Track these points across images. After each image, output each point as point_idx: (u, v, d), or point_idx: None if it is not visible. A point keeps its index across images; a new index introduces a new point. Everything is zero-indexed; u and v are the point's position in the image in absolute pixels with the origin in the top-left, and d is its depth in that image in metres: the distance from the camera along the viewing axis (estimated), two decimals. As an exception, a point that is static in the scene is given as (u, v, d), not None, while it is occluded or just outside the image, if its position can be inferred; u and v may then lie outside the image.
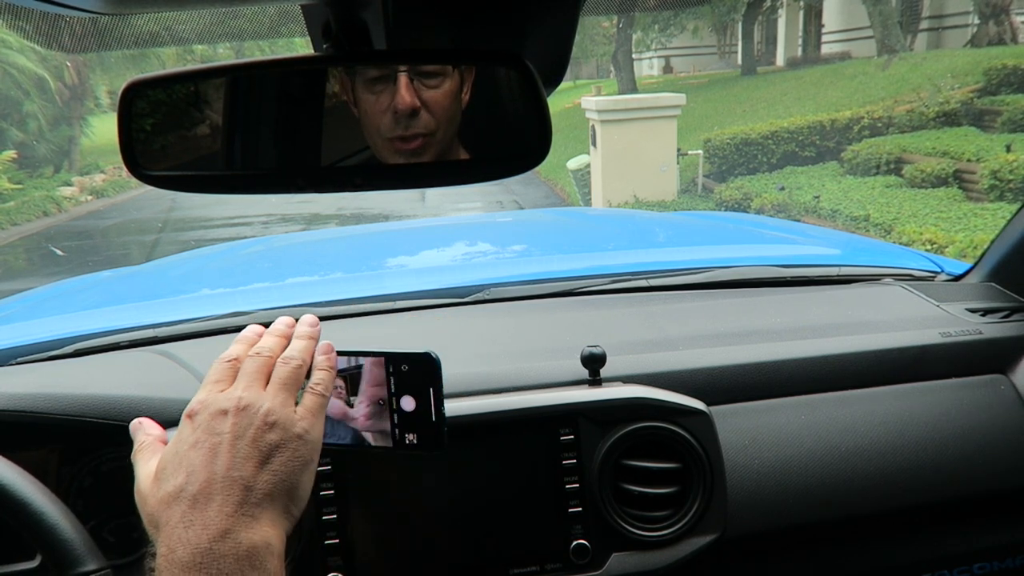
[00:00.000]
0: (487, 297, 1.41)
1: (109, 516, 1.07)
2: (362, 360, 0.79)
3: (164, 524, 0.65)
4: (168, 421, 1.03)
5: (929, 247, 6.08)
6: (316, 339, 0.78)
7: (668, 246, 2.08)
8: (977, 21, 15.38)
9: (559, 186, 11.77)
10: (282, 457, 0.68)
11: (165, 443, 0.74)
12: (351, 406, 0.80)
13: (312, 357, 0.76)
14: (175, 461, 0.68)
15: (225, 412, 0.69)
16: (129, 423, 1.03)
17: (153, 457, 0.72)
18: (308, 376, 0.75)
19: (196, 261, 2.26)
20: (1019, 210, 1.34)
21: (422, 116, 0.67)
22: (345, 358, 0.79)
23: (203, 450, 0.67)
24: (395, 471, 1.00)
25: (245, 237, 7.38)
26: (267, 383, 0.72)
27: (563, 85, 0.83)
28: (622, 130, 9.43)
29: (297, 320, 0.80)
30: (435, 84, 0.67)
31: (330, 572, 0.97)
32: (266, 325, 0.80)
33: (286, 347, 0.76)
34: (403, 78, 0.66)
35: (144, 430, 0.77)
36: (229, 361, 0.75)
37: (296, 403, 0.72)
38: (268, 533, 0.65)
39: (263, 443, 0.68)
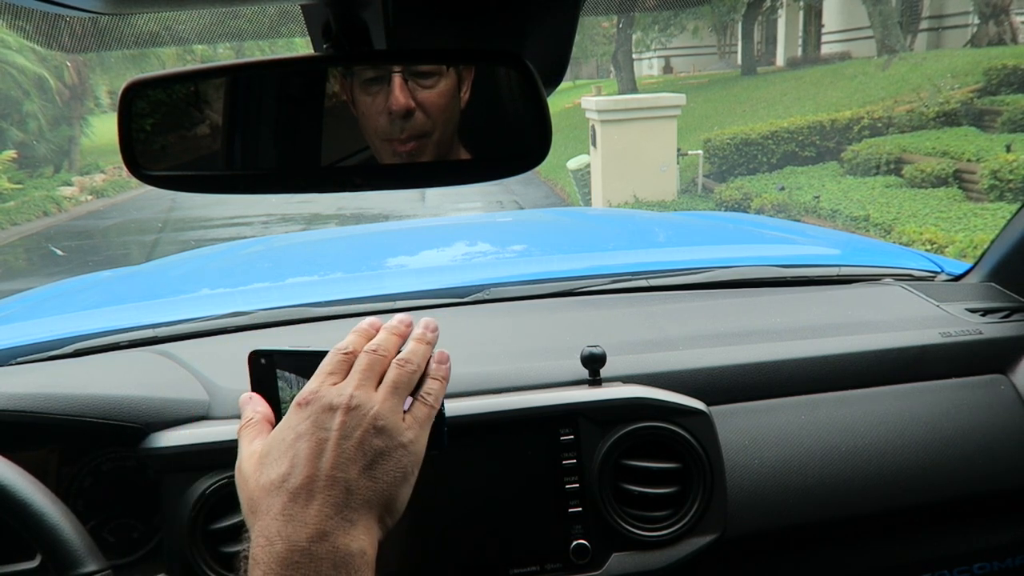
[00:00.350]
0: (487, 297, 1.41)
1: (109, 516, 1.07)
2: None
3: (263, 512, 0.64)
4: (169, 421, 1.03)
5: (929, 247, 6.08)
6: (433, 344, 0.76)
7: (668, 246, 2.08)
8: (977, 21, 15.39)
9: (559, 186, 11.77)
10: (385, 465, 0.67)
11: (272, 425, 0.73)
12: None
13: (427, 363, 0.75)
14: (280, 448, 0.67)
15: (335, 408, 0.68)
16: (130, 423, 1.03)
17: (259, 437, 0.72)
18: (420, 383, 0.74)
19: (196, 261, 2.26)
20: (1019, 210, 1.34)
21: (417, 117, 0.67)
22: None
23: (310, 443, 0.66)
24: (395, 471, 1.00)
25: (245, 237, 7.38)
26: (379, 383, 0.71)
27: (563, 85, 0.83)
28: (622, 130, 9.43)
29: (413, 322, 0.78)
30: (430, 84, 0.67)
31: (330, 572, 0.97)
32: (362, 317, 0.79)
33: (400, 346, 0.75)
34: (397, 79, 0.66)
35: (253, 406, 0.76)
36: (345, 353, 0.73)
37: (405, 411, 0.71)
38: (363, 541, 0.65)
39: (368, 447, 0.67)
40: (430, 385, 0.74)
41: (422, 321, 0.77)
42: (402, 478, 0.68)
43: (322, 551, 0.62)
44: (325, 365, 0.73)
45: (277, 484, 0.65)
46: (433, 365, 0.75)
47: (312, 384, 0.71)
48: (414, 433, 0.70)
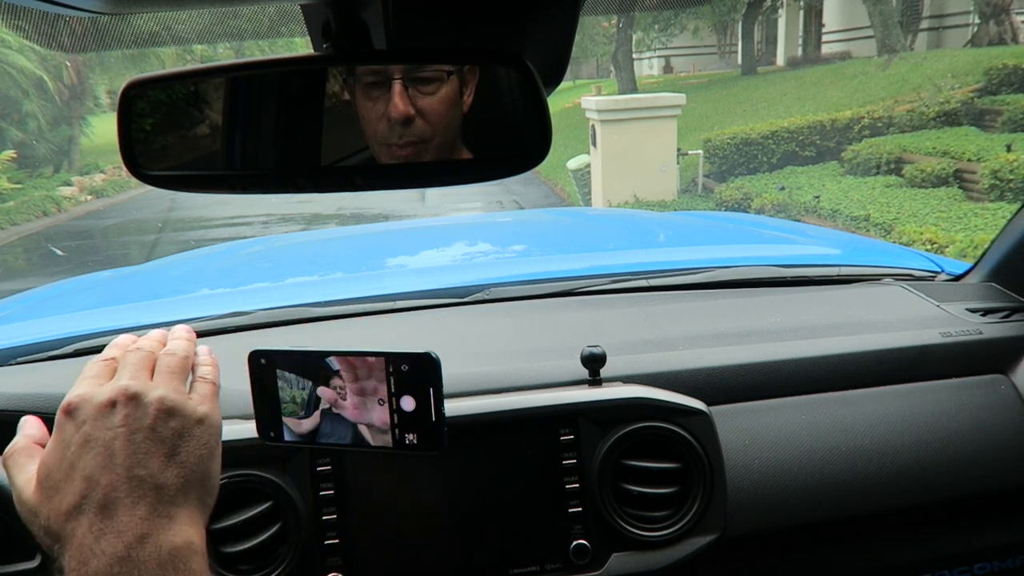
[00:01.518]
0: (487, 297, 1.41)
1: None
2: (362, 360, 0.79)
3: (69, 537, 0.59)
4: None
5: (929, 247, 6.08)
6: (194, 341, 0.74)
7: (668, 246, 2.08)
8: (977, 21, 15.39)
9: (559, 186, 11.77)
10: (188, 446, 0.63)
11: (42, 446, 0.66)
12: (351, 406, 0.80)
13: (194, 356, 0.72)
14: (63, 467, 0.61)
15: (113, 403, 0.62)
16: None
17: (30, 462, 0.64)
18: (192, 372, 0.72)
19: (196, 261, 2.26)
20: (1019, 210, 1.34)
21: (417, 124, 0.66)
22: (345, 358, 0.79)
23: (97, 449, 0.60)
24: (395, 471, 1.00)
25: (245, 237, 7.38)
26: (152, 376, 0.67)
27: (563, 85, 0.83)
28: (622, 130, 9.43)
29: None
30: (431, 91, 0.66)
31: (330, 572, 0.97)
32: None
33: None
34: (397, 85, 0.65)
35: (21, 430, 0.68)
36: (106, 360, 0.69)
37: (188, 393, 0.68)
38: (188, 532, 0.61)
39: (164, 432, 0.62)
40: (203, 368, 0.71)
41: (176, 327, 0.75)
42: (209, 453, 0.65)
43: (144, 554, 0.58)
44: (86, 372, 0.67)
45: (76, 506, 0.59)
46: (202, 356, 0.73)
47: (76, 390, 0.65)
48: (206, 407, 0.66)
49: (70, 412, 0.63)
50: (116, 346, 0.72)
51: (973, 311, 1.30)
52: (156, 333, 0.74)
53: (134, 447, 0.61)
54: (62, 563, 0.59)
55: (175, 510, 0.61)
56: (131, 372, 0.66)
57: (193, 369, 0.71)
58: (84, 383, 0.66)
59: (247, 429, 0.88)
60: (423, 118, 0.67)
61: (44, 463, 0.63)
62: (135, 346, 0.70)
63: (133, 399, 0.63)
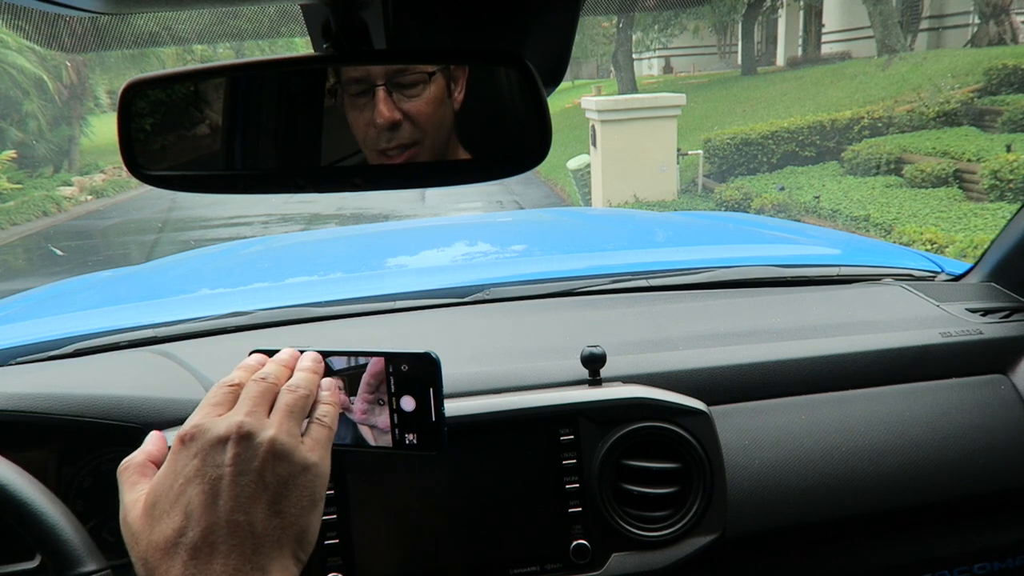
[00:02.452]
0: (487, 297, 1.41)
1: (109, 516, 1.07)
2: (362, 360, 0.79)
3: (161, 572, 0.58)
4: (169, 421, 1.03)
5: (929, 247, 6.08)
6: (320, 374, 0.72)
7: (668, 246, 2.08)
8: (977, 21, 15.38)
9: (559, 186, 11.77)
10: (292, 495, 0.62)
11: (157, 466, 0.66)
12: (351, 406, 0.80)
13: (317, 390, 0.70)
14: (169, 496, 0.61)
15: (224, 441, 0.61)
16: (130, 423, 1.03)
17: (141, 481, 0.64)
18: (312, 409, 0.70)
19: (196, 261, 2.26)
20: (1019, 210, 1.34)
21: (404, 127, 0.66)
22: (345, 358, 0.79)
23: (202, 486, 0.60)
24: (395, 471, 1.00)
25: (245, 237, 7.38)
26: (271, 411, 0.65)
27: (563, 85, 0.83)
28: (622, 130, 9.43)
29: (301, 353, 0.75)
30: (415, 94, 0.66)
31: (330, 572, 0.97)
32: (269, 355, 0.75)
33: (290, 377, 0.70)
34: (380, 92, 0.65)
35: (143, 445, 0.69)
36: (231, 386, 0.67)
37: (302, 434, 0.66)
38: None
39: (270, 478, 0.61)
40: (323, 408, 0.69)
41: (306, 354, 0.73)
42: (311, 506, 0.63)
43: None
44: (209, 397, 0.66)
45: (173, 542, 0.59)
46: (323, 392, 0.71)
47: (195, 418, 0.64)
48: (318, 455, 0.65)
49: (185, 441, 0.62)
50: (244, 368, 0.70)
51: (973, 311, 1.30)
52: (285, 356, 0.72)
53: (238, 490, 0.60)
54: None
55: (268, 562, 0.59)
56: (248, 407, 0.64)
57: (313, 407, 0.69)
58: (204, 411, 0.65)
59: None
60: (410, 121, 0.66)
61: (154, 488, 0.62)
62: (260, 375, 0.68)
63: (245, 438, 0.62)
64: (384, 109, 0.65)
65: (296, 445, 0.63)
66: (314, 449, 0.65)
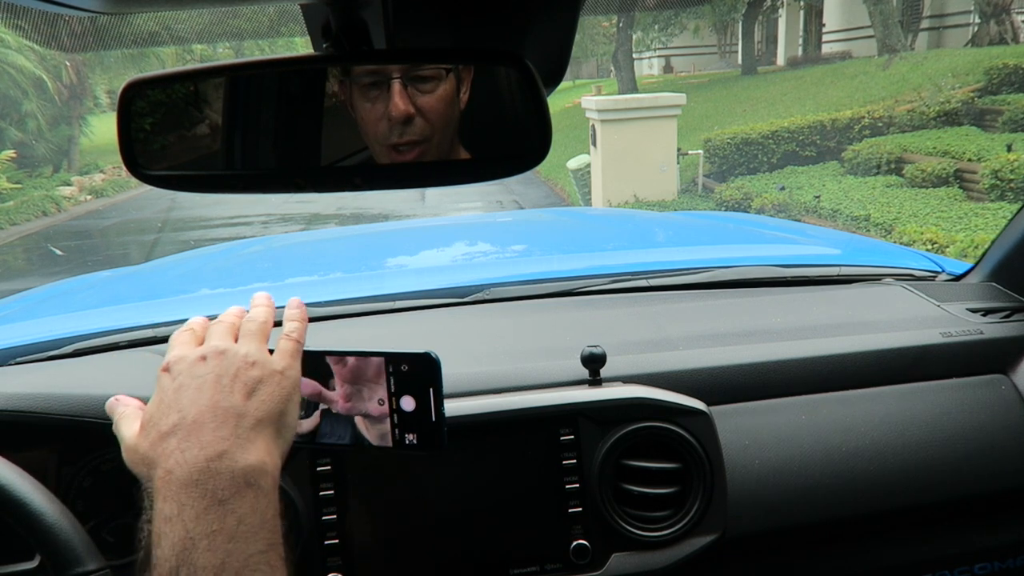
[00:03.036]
0: (487, 297, 1.41)
1: (109, 516, 1.07)
2: (362, 360, 0.79)
3: (160, 456, 0.67)
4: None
5: (930, 247, 6.08)
6: (272, 307, 0.81)
7: (668, 246, 2.08)
8: (978, 20, 15.38)
9: (559, 186, 11.77)
10: (267, 389, 0.71)
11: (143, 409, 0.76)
12: (351, 406, 0.80)
13: (272, 318, 0.80)
14: (161, 410, 0.70)
15: (204, 358, 0.72)
16: None
17: (135, 419, 0.74)
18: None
19: (195, 261, 2.26)
20: (1020, 210, 1.33)
21: (417, 122, 0.67)
22: (345, 358, 0.79)
23: (189, 390, 0.70)
24: (395, 471, 1.00)
25: (245, 237, 7.38)
26: (236, 340, 0.76)
27: (563, 85, 0.83)
28: (622, 130, 9.43)
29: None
30: (429, 89, 0.67)
31: (330, 572, 0.97)
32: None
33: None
34: (396, 85, 0.66)
35: (122, 402, 0.78)
36: (187, 330, 0.77)
37: (270, 349, 0.76)
38: (262, 455, 0.68)
39: (247, 378, 0.71)
40: (289, 325, 0.79)
41: (258, 294, 0.83)
42: (286, 397, 0.73)
43: (221, 467, 0.66)
44: (174, 339, 0.77)
45: (168, 432, 0.68)
46: (290, 310, 0.81)
47: (172, 353, 0.74)
48: (286, 362, 0.74)
49: (168, 369, 0.73)
50: (194, 322, 0.80)
51: (974, 311, 1.30)
52: (234, 308, 0.82)
53: (220, 386, 0.70)
54: (152, 487, 0.67)
55: (253, 435, 0.69)
56: (218, 336, 0.75)
57: (282, 325, 0.79)
58: (176, 348, 0.75)
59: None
60: (423, 116, 0.67)
61: (148, 411, 0.72)
62: (217, 320, 0.79)
63: (222, 354, 0.72)
64: (400, 102, 0.67)
65: (266, 356, 0.74)
66: (283, 358, 0.75)
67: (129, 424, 0.74)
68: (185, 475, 0.65)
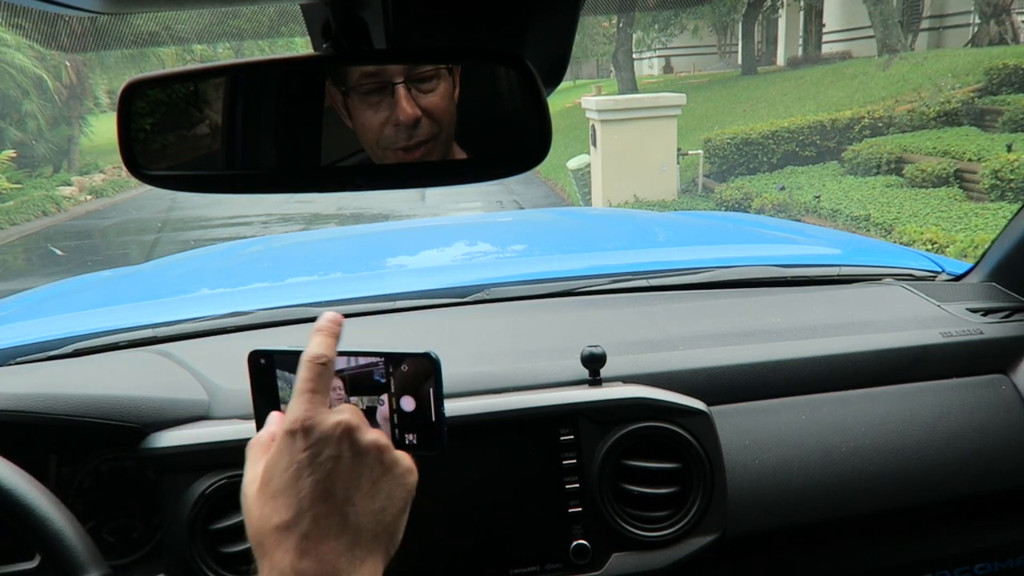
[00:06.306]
0: (487, 297, 1.41)
1: (109, 516, 1.07)
2: (362, 360, 0.79)
3: (272, 548, 0.64)
4: (169, 421, 1.03)
5: (930, 247, 6.07)
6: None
7: (668, 246, 2.08)
8: (978, 21, 15.38)
9: (559, 186, 11.77)
10: (394, 495, 0.68)
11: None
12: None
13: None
14: (284, 477, 0.65)
15: (332, 435, 0.66)
16: (129, 423, 1.03)
17: (262, 458, 0.68)
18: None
19: (195, 261, 2.26)
20: (1020, 210, 1.33)
21: (424, 124, 0.67)
22: (345, 358, 0.79)
23: (317, 475, 0.65)
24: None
25: (245, 237, 7.38)
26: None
27: (563, 85, 0.83)
28: (622, 130, 9.43)
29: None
30: (431, 88, 0.66)
31: (330, 572, 0.97)
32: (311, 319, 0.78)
33: None
34: (401, 89, 0.66)
35: (266, 426, 0.73)
36: (322, 364, 0.70)
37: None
38: None
39: (376, 475, 0.67)
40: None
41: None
42: (403, 506, 0.69)
43: None
44: (305, 382, 0.68)
45: (285, 527, 0.64)
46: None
47: (299, 409, 0.67)
48: (410, 460, 0.70)
49: (295, 432, 0.66)
50: (325, 333, 0.73)
51: (974, 311, 1.30)
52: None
53: (350, 484, 0.65)
54: (259, 566, 0.64)
55: (366, 555, 0.65)
56: (351, 411, 0.69)
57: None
58: (304, 399, 0.67)
59: (247, 429, 0.88)
60: (428, 117, 0.67)
61: (267, 468, 0.66)
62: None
63: (351, 432, 0.66)
64: (407, 106, 0.66)
65: (392, 447, 0.69)
66: (404, 455, 0.70)
67: (255, 462, 0.69)
68: None
